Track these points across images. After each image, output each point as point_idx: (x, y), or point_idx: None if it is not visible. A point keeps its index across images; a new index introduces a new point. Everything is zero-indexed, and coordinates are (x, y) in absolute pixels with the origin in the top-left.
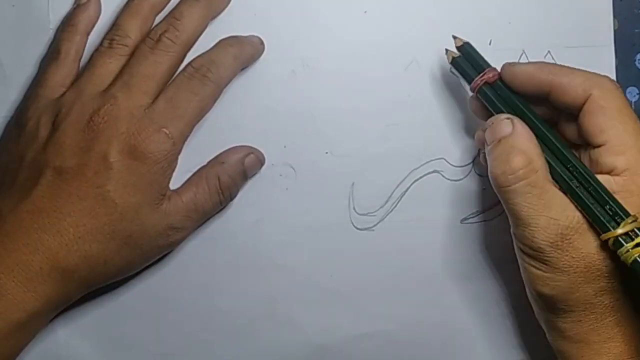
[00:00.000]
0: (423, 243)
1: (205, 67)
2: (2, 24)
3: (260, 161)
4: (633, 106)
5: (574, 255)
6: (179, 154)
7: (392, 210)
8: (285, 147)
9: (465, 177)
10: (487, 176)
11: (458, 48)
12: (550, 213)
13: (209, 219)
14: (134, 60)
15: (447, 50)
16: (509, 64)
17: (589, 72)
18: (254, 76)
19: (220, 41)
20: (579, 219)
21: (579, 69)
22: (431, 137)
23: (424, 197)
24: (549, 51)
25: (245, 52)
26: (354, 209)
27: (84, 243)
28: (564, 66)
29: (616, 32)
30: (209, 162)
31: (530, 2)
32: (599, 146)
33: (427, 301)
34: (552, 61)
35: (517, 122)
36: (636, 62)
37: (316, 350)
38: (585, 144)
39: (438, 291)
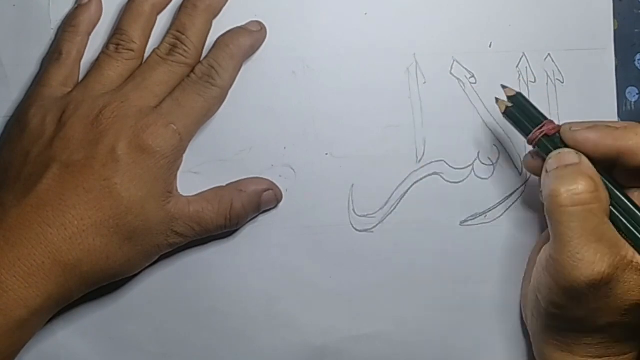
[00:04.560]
0: (422, 245)
1: (207, 75)
2: (3, 24)
3: (277, 199)
4: (633, 106)
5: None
6: (184, 151)
7: (391, 212)
8: (285, 148)
9: (464, 179)
10: (488, 179)
11: (510, 98)
12: (600, 246)
13: (213, 237)
14: (147, 67)
15: (497, 99)
16: (569, 128)
17: None
18: (254, 77)
19: (217, 41)
20: (621, 258)
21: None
22: (431, 139)
23: (424, 199)
24: (549, 54)
25: (243, 46)
26: (354, 210)
27: (87, 236)
28: (627, 127)
29: (616, 32)
30: (228, 185)
31: (530, 5)
32: None
33: (426, 303)
34: (553, 64)
35: (583, 156)
36: (636, 62)
37: (315, 351)
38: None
39: (437, 293)
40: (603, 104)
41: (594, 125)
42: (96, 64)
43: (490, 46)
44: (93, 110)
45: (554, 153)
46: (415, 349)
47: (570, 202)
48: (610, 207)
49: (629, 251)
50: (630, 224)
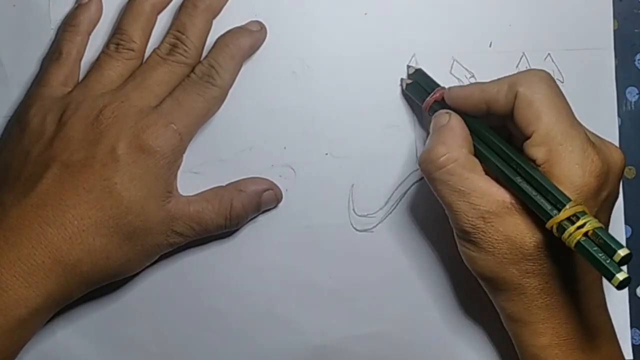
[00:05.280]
0: (422, 245)
1: (207, 75)
2: (3, 24)
3: (277, 199)
4: (633, 106)
5: (496, 237)
6: (184, 151)
7: (391, 211)
8: (285, 148)
9: None
10: None
11: (410, 75)
12: (470, 199)
13: (212, 236)
14: (147, 66)
15: (401, 79)
16: (448, 89)
17: (515, 74)
18: (255, 77)
19: (217, 41)
20: (499, 204)
21: (507, 76)
22: None
23: (424, 198)
24: (549, 53)
25: (243, 46)
26: (354, 210)
27: (87, 236)
28: (494, 80)
29: (616, 32)
30: (227, 185)
31: (530, 5)
32: (528, 138)
33: (426, 302)
34: (553, 64)
35: (453, 115)
36: (636, 62)
37: (314, 351)
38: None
39: (437, 292)
40: (603, 104)
41: (467, 85)
42: (96, 63)
43: (490, 46)
44: (93, 110)
45: (433, 116)
46: (415, 349)
47: (427, 170)
48: (486, 154)
49: (506, 196)
50: (513, 180)
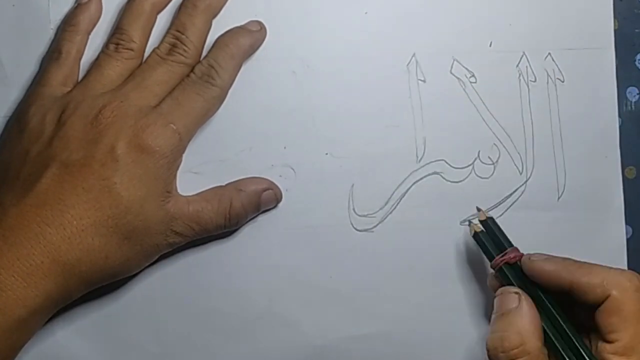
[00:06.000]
0: (422, 244)
1: (207, 74)
2: (3, 24)
3: (277, 199)
4: (633, 106)
5: None
6: (184, 151)
7: (391, 211)
8: (285, 148)
9: (465, 178)
10: (488, 179)
11: (481, 222)
12: None
13: (212, 236)
14: (146, 66)
15: (470, 222)
16: (529, 258)
17: (608, 270)
18: (254, 77)
19: (217, 41)
20: None
21: (598, 266)
22: (431, 139)
23: (424, 198)
24: (549, 53)
25: (243, 46)
26: (354, 210)
27: (86, 236)
28: (583, 264)
29: (616, 32)
30: (227, 184)
31: (531, 4)
32: (608, 342)
33: (427, 302)
34: (553, 63)
35: (524, 299)
36: (636, 62)
37: (315, 351)
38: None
39: (437, 292)
40: (603, 104)
41: (551, 257)
42: (96, 63)
43: (490, 45)
44: (92, 110)
45: (499, 291)
46: (415, 349)
47: (500, 358)
48: (556, 344)
49: None
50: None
